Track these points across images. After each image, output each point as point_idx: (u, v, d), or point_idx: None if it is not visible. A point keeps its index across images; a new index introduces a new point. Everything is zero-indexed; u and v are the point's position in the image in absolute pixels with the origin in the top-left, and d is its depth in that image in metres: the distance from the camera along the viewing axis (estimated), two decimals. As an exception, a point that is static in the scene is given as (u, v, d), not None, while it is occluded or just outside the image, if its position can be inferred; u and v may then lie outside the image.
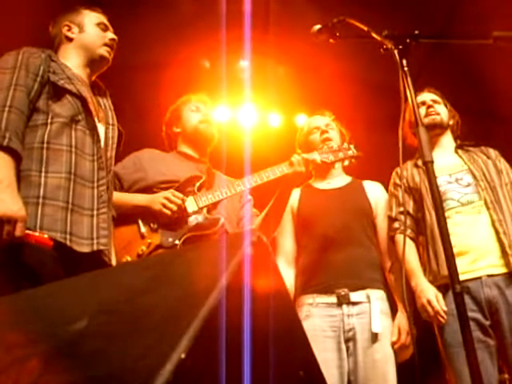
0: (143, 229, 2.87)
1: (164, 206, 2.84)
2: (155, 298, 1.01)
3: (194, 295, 0.92)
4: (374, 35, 2.22)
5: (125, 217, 2.81)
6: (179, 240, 2.82)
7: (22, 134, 2.22)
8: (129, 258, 2.78)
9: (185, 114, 3.25)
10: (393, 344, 3.05)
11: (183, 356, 0.75)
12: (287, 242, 3.37)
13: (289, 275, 3.29)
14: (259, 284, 1.09)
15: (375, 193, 3.41)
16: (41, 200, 2.18)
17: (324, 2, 4.81)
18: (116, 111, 2.68)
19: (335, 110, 5.42)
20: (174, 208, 2.84)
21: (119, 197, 2.81)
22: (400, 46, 2.14)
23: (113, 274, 1.23)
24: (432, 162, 2.02)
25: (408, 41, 2.14)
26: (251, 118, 5.68)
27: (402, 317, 3.10)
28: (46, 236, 2.13)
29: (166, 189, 2.95)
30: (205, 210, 2.92)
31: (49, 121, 2.30)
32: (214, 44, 4.98)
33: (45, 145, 2.26)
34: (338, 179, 3.46)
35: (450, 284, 1.98)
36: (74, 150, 2.31)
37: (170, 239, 2.83)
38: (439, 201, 1.96)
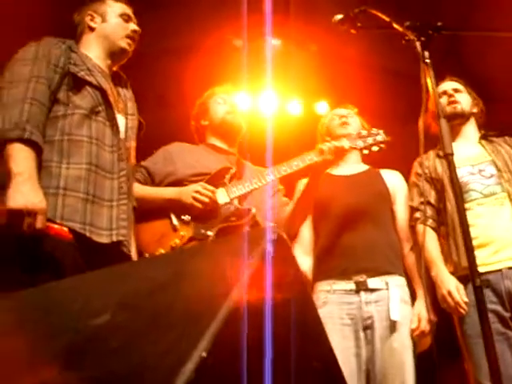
0: (175, 221, 2.89)
1: (194, 198, 2.86)
2: (176, 294, 1.02)
3: (214, 294, 0.92)
4: (395, 26, 2.20)
5: (157, 210, 2.85)
6: (212, 231, 2.84)
7: (43, 126, 2.23)
8: (162, 251, 2.80)
9: (211, 106, 3.26)
10: (412, 331, 3.03)
11: (204, 354, 0.75)
12: (304, 229, 3.34)
13: (306, 263, 3.28)
14: (279, 285, 1.09)
15: (393, 180, 3.38)
16: (61, 191, 2.19)
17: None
18: (139, 98, 2.69)
19: (356, 98, 5.41)
20: (206, 200, 2.86)
21: (150, 191, 2.87)
22: (422, 38, 2.12)
23: (134, 268, 1.24)
24: (452, 154, 2.03)
25: (430, 32, 2.11)
26: (272, 106, 5.65)
27: (421, 304, 3.07)
28: (65, 229, 2.15)
29: (197, 181, 2.96)
30: (236, 201, 2.93)
31: (69, 112, 2.31)
32: (236, 30, 4.99)
33: (65, 136, 2.27)
34: (356, 166, 3.44)
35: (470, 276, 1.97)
36: (94, 141, 2.32)
37: (203, 231, 2.84)
38: (460, 196, 1.96)
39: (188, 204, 2.87)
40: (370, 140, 3.03)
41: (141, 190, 2.87)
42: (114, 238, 2.28)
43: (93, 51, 2.55)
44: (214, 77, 5.28)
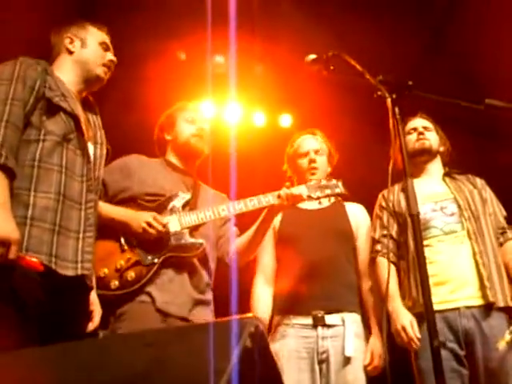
0: (124, 242, 2.83)
1: (144, 229, 2.79)
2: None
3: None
4: (368, 77, 2.22)
5: (105, 227, 2.75)
6: (158, 259, 2.79)
7: (16, 150, 2.19)
8: (106, 271, 2.74)
9: (179, 122, 3.15)
10: (365, 367, 3.08)
11: None
12: (267, 259, 3.37)
13: (267, 293, 3.32)
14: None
15: (356, 215, 3.43)
16: (28, 221, 2.16)
17: (310, 4, 4.81)
18: (101, 103, 2.65)
19: (319, 111, 5.45)
20: (154, 233, 2.79)
21: (103, 207, 2.76)
22: (393, 95, 2.15)
23: (114, 349, 1.20)
24: (418, 214, 2.07)
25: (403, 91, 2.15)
26: (236, 116, 5.63)
27: (375, 340, 3.15)
28: (35, 260, 2.11)
29: (151, 201, 2.90)
30: (187, 231, 2.88)
31: (41, 137, 2.26)
32: (199, 40, 4.95)
33: (36, 163, 2.23)
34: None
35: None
36: (64, 170, 2.28)
37: (150, 257, 2.79)
38: (422, 257, 1.98)
39: (137, 232, 2.81)
40: (327, 191, 3.04)
41: None
42: (79, 272, 2.25)
43: (67, 75, 2.50)
44: (175, 86, 5.27)
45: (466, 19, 4.80)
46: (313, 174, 3.36)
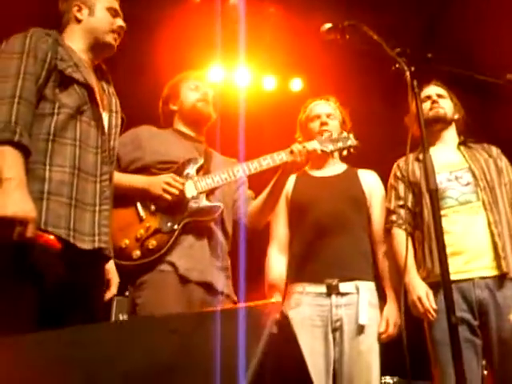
0: (142, 211, 2.83)
1: (165, 190, 2.80)
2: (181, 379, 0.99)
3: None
4: (386, 48, 2.17)
5: (122, 197, 2.75)
6: (178, 225, 2.79)
7: (30, 126, 2.16)
8: (127, 241, 2.75)
9: (183, 91, 3.16)
10: (379, 335, 3.08)
11: None
12: (280, 228, 3.35)
13: (281, 262, 3.31)
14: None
15: (370, 182, 3.40)
16: (45, 195, 2.15)
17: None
18: (111, 65, 2.62)
19: (330, 75, 5.40)
20: (175, 193, 2.80)
21: (118, 178, 2.74)
22: (412, 68, 2.11)
23: (137, 335, 1.19)
24: (436, 190, 2.07)
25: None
26: (245, 80, 5.58)
27: (391, 308, 3.14)
28: (52, 237, 2.10)
29: (164, 170, 2.90)
30: (203, 195, 2.89)
31: (55, 111, 2.24)
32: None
33: (51, 137, 2.21)
34: (334, 167, 3.44)
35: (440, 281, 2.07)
36: (78, 143, 2.26)
37: (169, 224, 2.79)
38: (441, 235, 1.97)
39: (156, 195, 2.82)
40: (339, 144, 3.04)
41: None
42: (97, 245, 2.25)
43: (77, 43, 2.46)
44: (187, 48, 5.21)
45: (465, 5, 4.74)
46: (323, 135, 3.28)
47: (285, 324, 1.11)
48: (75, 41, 2.46)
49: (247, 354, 1.03)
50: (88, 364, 1.14)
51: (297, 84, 5.81)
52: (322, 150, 3.00)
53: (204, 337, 1.11)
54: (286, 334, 1.10)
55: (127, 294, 3.91)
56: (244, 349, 1.03)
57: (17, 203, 1.99)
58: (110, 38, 2.49)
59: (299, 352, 1.25)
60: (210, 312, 1.20)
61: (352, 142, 3.06)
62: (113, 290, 2.52)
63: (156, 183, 2.83)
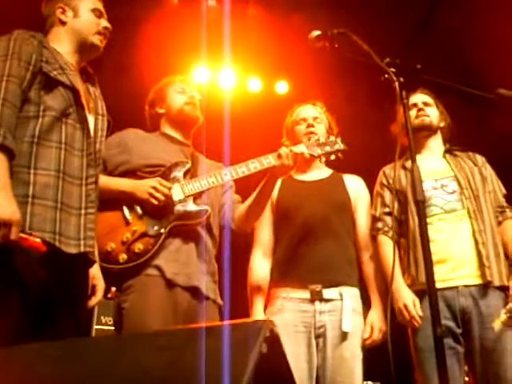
0: (128, 215, 2.82)
1: (150, 194, 2.79)
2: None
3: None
4: (375, 58, 2.17)
5: (109, 201, 2.75)
6: (165, 229, 2.78)
7: (14, 129, 2.15)
8: (113, 245, 2.73)
9: (170, 94, 3.15)
10: (364, 340, 3.09)
11: None
12: (265, 232, 3.34)
13: (264, 266, 3.30)
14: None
15: (355, 187, 3.40)
16: (30, 199, 2.13)
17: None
18: (94, 66, 2.61)
19: (316, 78, 5.39)
20: (161, 197, 2.79)
21: (104, 181, 2.74)
22: (401, 79, 2.11)
23: (128, 352, 1.18)
24: (424, 201, 2.08)
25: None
26: (230, 81, 5.57)
27: (375, 313, 3.15)
28: (38, 240, 2.08)
29: (151, 173, 2.89)
30: (191, 199, 2.88)
31: (40, 113, 2.22)
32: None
33: (35, 139, 2.19)
34: (319, 171, 3.44)
35: (426, 290, 2.07)
36: (63, 146, 2.24)
37: (156, 227, 2.78)
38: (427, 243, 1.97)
39: (143, 199, 2.81)
40: (327, 148, 3.03)
41: None
42: (82, 249, 2.24)
43: (63, 46, 2.44)
44: (172, 49, 5.18)
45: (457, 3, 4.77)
46: (309, 138, 3.27)
47: (274, 342, 1.09)
48: (60, 43, 2.44)
49: (235, 372, 1.03)
50: (77, 380, 1.12)
51: (282, 86, 5.80)
52: (310, 154, 3.00)
53: (192, 354, 1.10)
54: (275, 353, 1.09)
55: (109, 295, 3.88)
56: (231, 367, 1.02)
57: (1, 206, 1.98)
58: (95, 40, 2.48)
59: (289, 372, 1.24)
60: (198, 329, 1.18)
61: (339, 146, 3.04)
62: (99, 295, 2.50)
63: (142, 187, 2.81)
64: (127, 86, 4.96)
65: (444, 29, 4.97)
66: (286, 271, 3.19)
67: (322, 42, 2.43)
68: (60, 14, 2.48)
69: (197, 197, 2.91)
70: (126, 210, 2.83)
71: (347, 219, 3.31)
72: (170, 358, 1.10)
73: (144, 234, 2.77)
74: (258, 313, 3.19)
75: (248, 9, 5.18)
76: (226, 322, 1.27)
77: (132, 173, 2.91)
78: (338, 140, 3.06)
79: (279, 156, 2.90)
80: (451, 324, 2.94)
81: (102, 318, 4.55)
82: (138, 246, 2.74)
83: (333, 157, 3.08)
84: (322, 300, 3.08)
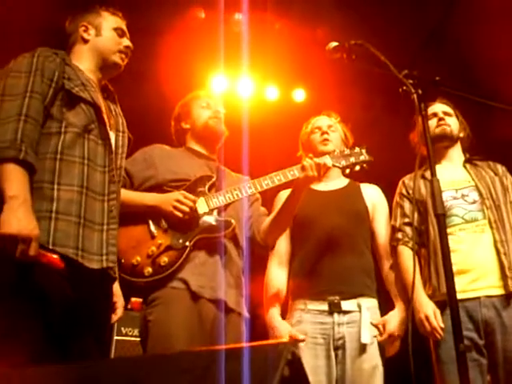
0: (153, 229, 2.85)
1: (175, 208, 2.82)
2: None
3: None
4: (393, 70, 2.15)
5: (134, 215, 2.80)
6: (190, 242, 2.80)
7: (36, 145, 2.16)
8: (139, 259, 2.76)
9: (195, 110, 3.18)
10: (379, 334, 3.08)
11: None
12: (282, 242, 3.31)
13: (281, 276, 3.29)
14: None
15: (372, 196, 3.39)
16: (54, 215, 2.15)
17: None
18: (113, 78, 2.63)
19: (333, 86, 5.38)
20: (186, 210, 2.82)
21: (129, 195, 2.81)
22: (419, 90, 2.09)
23: (152, 375, 1.17)
24: (444, 214, 2.05)
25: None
26: (248, 90, 5.58)
27: (394, 317, 3.11)
28: (55, 256, 2.09)
29: (177, 187, 2.92)
30: (215, 212, 2.90)
31: (62, 130, 2.25)
32: (212, 10, 4.87)
33: (58, 155, 2.21)
34: (336, 181, 3.42)
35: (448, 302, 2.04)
36: (86, 161, 2.26)
37: (181, 240, 2.80)
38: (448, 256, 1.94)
39: (168, 212, 2.83)
40: (352, 159, 3.01)
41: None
42: (105, 264, 2.26)
43: (84, 63, 2.48)
44: (191, 58, 5.20)
45: (467, 13, 4.73)
46: (325, 145, 3.29)
47: (296, 365, 1.08)
48: (82, 61, 2.47)
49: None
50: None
51: (299, 94, 5.79)
52: (334, 165, 2.98)
53: (213, 377, 1.09)
54: (297, 376, 1.08)
55: (129, 306, 3.90)
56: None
57: (21, 221, 1.99)
58: (117, 58, 2.51)
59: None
60: (220, 351, 1.17)
61: (365, 157, 3.02)
62: (119, 312, 2.52)
63: (167, 201, 2.84)
64: (146, 94, 4.99)
65: (454, 41, 4.95)
66: (304, 283, 3.18)
67: (339, 54, 2.42)
68: (83, 32, 2.51)
69: (222, 210, 2.93)
70: (151, 224, 2.86)
71: (365, 229, 3.29)
72: (192, 380, 1.09)
73: (169, 247, 2.79)
74: (275, 321, 3.17)
75: (266, 17, 5.17)
76: (247, 344, 1.27)
77: (158, 187, 2.94)
78: (363, 151, 3.03)
79: (303, 168, 2.89)
80: (474, 335, 2.90)
81: (123, 329, 4.56)
82: (164, 259, 2.76)
83: (357, 167, 3.06)
84: (340, 312, 3.07)
